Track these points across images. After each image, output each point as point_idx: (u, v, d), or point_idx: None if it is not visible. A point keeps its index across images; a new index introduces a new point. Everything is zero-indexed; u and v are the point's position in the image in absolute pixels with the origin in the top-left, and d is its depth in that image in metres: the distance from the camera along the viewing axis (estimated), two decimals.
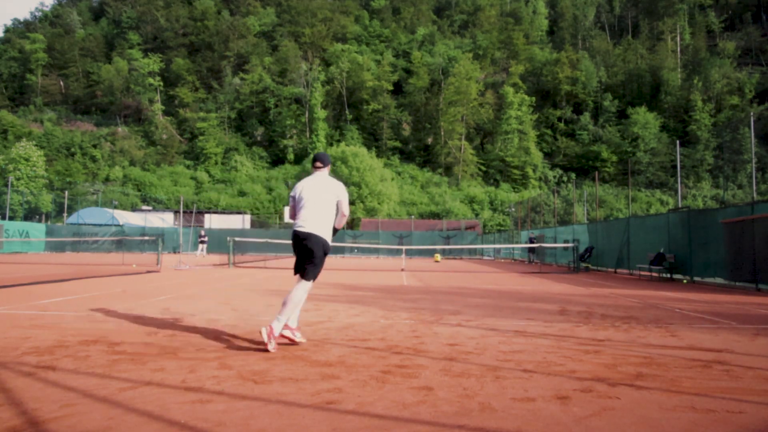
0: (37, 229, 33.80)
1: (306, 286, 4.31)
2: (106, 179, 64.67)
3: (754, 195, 12.41)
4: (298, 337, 4.43)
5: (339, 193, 4.56)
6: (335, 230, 4.60)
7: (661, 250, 14.61)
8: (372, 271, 17.85)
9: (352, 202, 48.39)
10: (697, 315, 6.90)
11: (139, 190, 61.10)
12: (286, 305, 4.23)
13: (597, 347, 4.54)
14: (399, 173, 65.77)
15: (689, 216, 14.07)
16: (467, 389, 3.16)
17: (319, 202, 4.45)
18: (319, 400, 2.91)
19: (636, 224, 16.94)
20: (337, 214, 4.59)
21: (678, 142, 17.37)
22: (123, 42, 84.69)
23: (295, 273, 4.46)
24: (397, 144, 72.88)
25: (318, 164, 4.70)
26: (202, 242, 29.39)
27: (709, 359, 4.10)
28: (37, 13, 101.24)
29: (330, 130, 72.98)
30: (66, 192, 44.08)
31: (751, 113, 14.08)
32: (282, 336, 4.32)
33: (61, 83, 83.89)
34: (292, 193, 4.67)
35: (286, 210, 39.75)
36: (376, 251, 34.01)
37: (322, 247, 4.36)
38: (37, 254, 29.54)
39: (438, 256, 21.94)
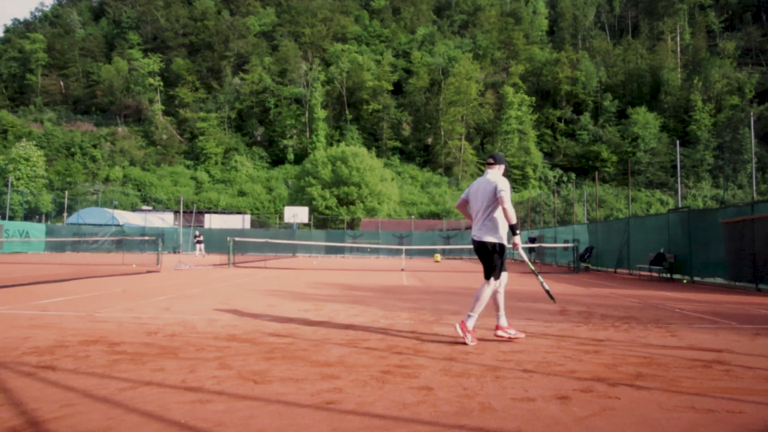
0: (37, 229, 33.81)
1: (490, 286, 4.61)
2: (106, 179, 64.70)
3: (754, 195, 12.41)
4: (512, 333, 4.75)
5: (497, 188, 4.61)
6: (510, 226, 4.66)
7: (661, 250, 14.61)
8: (372, 271, 17.85)
9: (352, 202, 48.41)
10: (697, 315, 6.90)
11: (139, 190, 61.13)
12: (477, 302, 4.58)
13: (597, 347, 4.54)
14: (399, 173, 65.77)
15: (689, 216, 14.07)
16: (467, 389, 3.16)
17: (483, 204, 4.67)
18: (319, 400, 2.91)
19: (636, 224, 16.94)
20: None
21: (678, 142, 17.37)
22: (123, 42, 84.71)
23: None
24: (397, 144, 72.89)
25: (490, 160, 4.87)
26: (199, 242, 29.28)
27: (709, 359, 4.10)
28: (37, 13, 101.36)
29: (330, 130, 72.99)
30: (66, 192, 44.13)
31: (751, 113, 14.08)
32: (497, 336, 4.74)
33: (61, 83, 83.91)
34: (464, 196, 5.02)
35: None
36: (377, 251, 34.01)
37: (493, 248, 4.63)
38: (37, 254, 29.54)
39: (438, 257, 21.95)
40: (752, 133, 13.04)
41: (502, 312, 4.74)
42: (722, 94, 65.39)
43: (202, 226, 42.68)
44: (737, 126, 46.54)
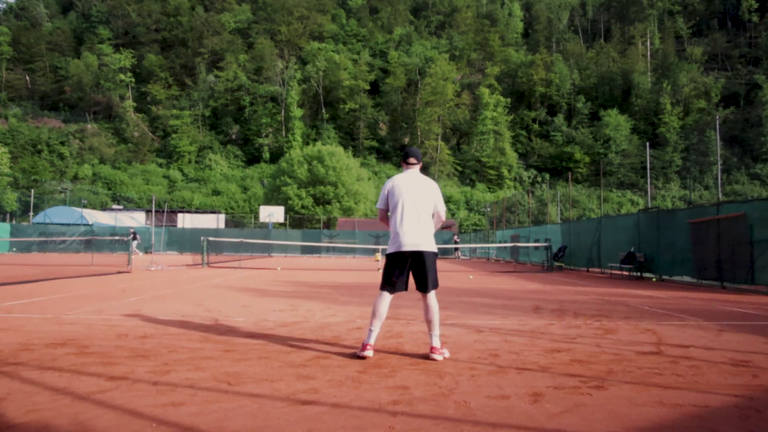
0: (1, 229, 32.68)
1: (434, 296, 4.10)
2: (75, 177, 62.95)
3: (720, 196, 12.83)
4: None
5: (436, 195, 4.20)
6: None
7: (632, 250, 14.97)
8: (348, 270, 17.81)
9: (328, 202, 48.23)
10: (665, 312, 7.09)
11: (110, 189, 59.65)
12: (433, 321, 4.02)
13: (570, 344, 4.62)
14: (376, 173, 65.80)
15: (658, 216, 14.46)
16: (443, 388, 3.18)
17: (421, 207, 4.07)
18: (294, 400, 2.89)
19: (607, 224, 17.32)
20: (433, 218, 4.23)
21: (648, 144, 17.84)
22: (92, 36, 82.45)
23: (394, 290, 4.04)
24: (374, 144, 72.92)
25: (411, 160, 4.23)
26: (135, 240, 26.75)
27: (677, 355, 4.22)
28: (1, 5, 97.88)
29: (306, 129, 72.56)
30: (32, 190, 42.72)
31: (717, 117, 14.55)
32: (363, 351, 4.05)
33: (27, 78, 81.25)
34: (384, 195, 4.19)
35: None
36: (353, 251, 33.95)
37: (434, 257, 4.14)
38: (1, 255, 28.56)
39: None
40: (718, 136, 13.47)
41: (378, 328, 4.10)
42: (690, 98, 67.44)
43: (175, 226, 41.92)
44: (704, 129, 48.06)
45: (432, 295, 4.07)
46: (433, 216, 4.22)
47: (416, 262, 4.04)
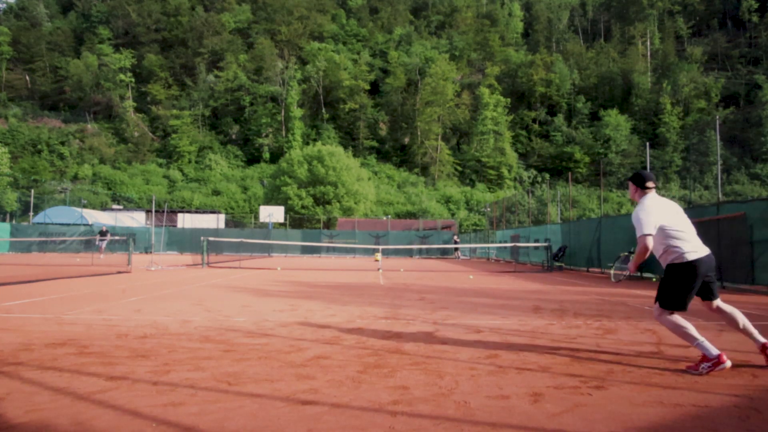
0: (1, 229, 32.67)
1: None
2: (75, 177, 62.90)
3: (720, 196, 12.83)
4: None
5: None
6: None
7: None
8: (348, 270, 17.81)
9: (328, 202, 48.24)
10: None
11: (110, 189, 59.62)
12: (746, 321, 3.88)
13: (570, 344, 4.62)
14: (376, 173, 65.78)
15: None
16: (443, 388, 3.18)
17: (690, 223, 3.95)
18: (294, 400, 2.89)
19: (607, 224, 17.32)
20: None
21: (648, 144, 17.84)
22: (93, 36, 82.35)
23: (684, 308, 3.80)
24: (374, 144, 72.89)
25: (650, 184, 4.05)
26: (102, 240, 25.34)
27: (677, 355, 4.22)
28: (1, 5, 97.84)
29: (306, 129, 72.52)
30: (32, 190, 42.68)
31: (717, 117, 14.55)
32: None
33: (27, 78, 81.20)
34: (655, 220, 3.85)
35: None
36: (353, 251, 33.95)
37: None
38: (1, 255, 28.54)
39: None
40: (718, 136, 13.47)
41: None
42: (690, 98, 67.39)
43: (175, 226, 41.92)
44: (704, 129, 48.02)
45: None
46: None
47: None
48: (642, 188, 4.05)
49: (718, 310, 3.89)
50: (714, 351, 3.65)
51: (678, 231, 3.84)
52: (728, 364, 3.61)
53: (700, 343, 3.72)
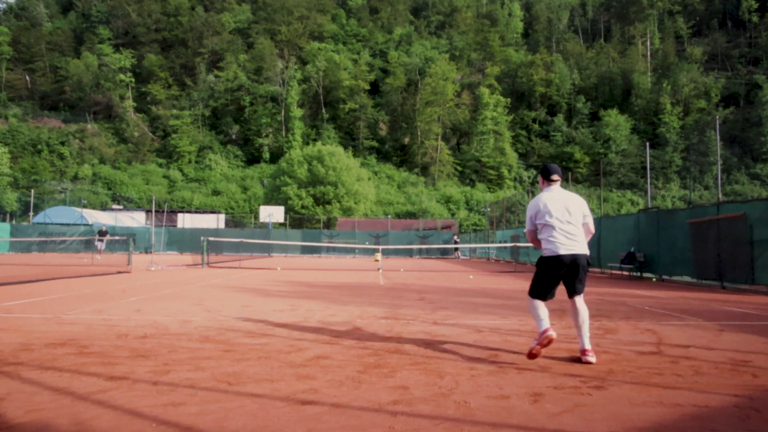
0: (1, 229, 32.67)
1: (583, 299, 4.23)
2: (75, 177, 62.87)
3: (720, 196, 12.83)
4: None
5: (586, 211, 4.31)
6: None
7: (632, 250, 14.97)
8: (348, 270, 17.81)
9: (328, 202, 48.22)
10: (666, 312, 7.09)
11: (110, 189, 59.61)
12: (584, 326, 4.08)
13: (569, 344, 4.62)
14: (376, 173, 65.76)
15: (658, 216, 14.45)
16: (443, 388, 3.18)
17: (576, 219, 4.19)
18: (294, 401, 2.89)
19: (607, 224, 17.32)
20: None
21: (648, 144, 17.84)
22: (93, 36, 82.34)
23: (543, 298, 4.14)
24: (374, 144, 72.87)
25: (555, 177, 4.33)
26: (101, 240, 25.05)
27: (677, 355, 4.22)
28: (1, 5, 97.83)
29: (306, 129, 72.51)
30: (32, 190, 42.69)
31: (717, 117, 14.56)
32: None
33: (27, 78, 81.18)
34: (532, 213, 4.27)
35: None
36: (353, 251, 33.94)
37: (587, 260, 4.21)
38: (1, 255, 28.54)
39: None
40: (718, 136, 13.47)
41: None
42: (690, 98, 67.38)
43: (175, 226, 41.92)
44: (704, 129, 48.03)
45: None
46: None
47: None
48: (548, 180, 4.36)
49: (573, 304, 4.17)
50: (543, 326, 3.99)
51: (551, 227, 4.14)
52: (552, 334, 3.90)
53: (540, 321, 4.06)
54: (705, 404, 2.91)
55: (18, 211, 48.96)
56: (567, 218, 4.15)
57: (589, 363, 3.90)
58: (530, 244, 21.01)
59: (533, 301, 4.16)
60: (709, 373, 3.62)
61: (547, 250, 4.12)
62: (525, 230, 4.42)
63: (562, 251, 4.04)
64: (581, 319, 4.08)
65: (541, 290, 4.14)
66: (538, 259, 4.25)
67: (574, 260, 4.05)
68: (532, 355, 3.93)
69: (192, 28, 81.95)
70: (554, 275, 4.10)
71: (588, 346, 4.02)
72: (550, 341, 3.91)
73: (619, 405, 2.88)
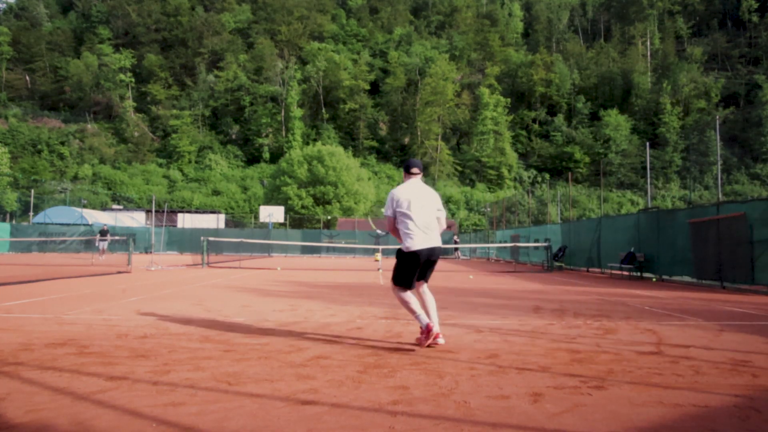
0: (1, 229, 32.67)
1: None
2: (75, 177, 62.88)
3: (720, 196, 12.82)
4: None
5: (440, 206, 4.64)
6: None
7: (632, 250, 14.97)
8: (348, 270, 17.81)
9: (328, 202, 48.23)
10: (665, 312, 7.09)
11: (110, 189, 59.62)
12: (433, 309, 4.48)
13: (570, 344, 4.62)
14: (376, 173, 65.75)
15: (658, 216, 14.45)
16: (443, 388, 3.18)
17: (430, 212, 4.53)
18: (294, 400, 2.89)
19: (607, 224, 17.32)
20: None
21: (648, 144, 17.83)
22: (93, 36, 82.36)
23: (409, 287, 4.45)
24: (374, 144, 72.89)
25: (415, 170, 4.68)
26: (103, 240, 24.35)
27: (677, 355, 4.22)
28: (1, 5, 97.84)
29: (306, 129, 72.53)
30: (32, 190, 42.69)
31: (717, 117, 14.55)
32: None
33: (27, 78, 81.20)
34: (393, 204, 4.49)
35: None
36: (353, 251, 33.94)
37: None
38: (1, 255, 28.54)
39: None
40: (717, 136, 13.47)
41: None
42: (690, 98, 67.38)
43: (175, 226, 41.91)
44: (704, 129, 48.00)
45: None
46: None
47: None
48: (408, 173, 4.67)
49: (420, 291, 4.56)
50: (424, 322, 4.33)
51: (409, 218, 4.40)
52: (435, 330, 4.31)
53: (417, 316, 4.38)
54: (705, 404, 2.91)
55: (18, 211, 48.96)
56: (423, 210, 4.45)
57: (438, 345, 4.37)
58: (530, 244, 20.98)
59: (402, 294, 4.43)
60: (709, 373, 3.62)
61: (406, 245, 4.38)
62: (384, 215, 4.60)
63: (419, 247, 4.35)
64: (431, 303, 4.47)
65: (405, 280, 4.42)
66: (398, 252, 4.50)
67: (430, 254, 4.43)
68: (419, 344, 4.41)
69: (192, 28, 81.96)
70: (414, 267, 4.40)
71: (438, 329, 4.41)
72: (436, 336, 4.34)
73: (619, 405, 2.88)
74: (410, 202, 4.43)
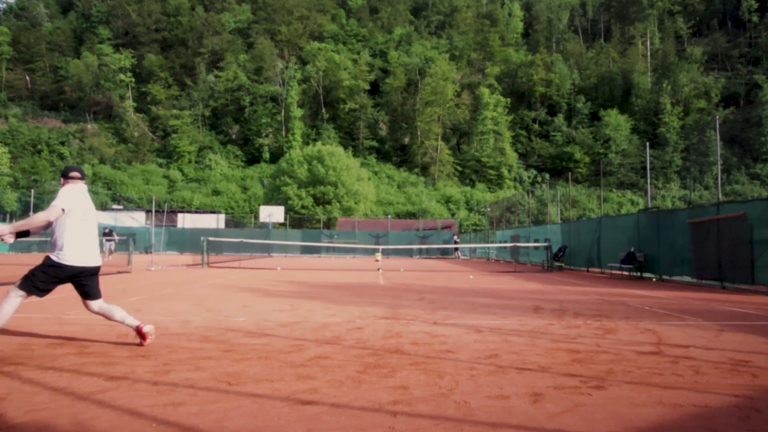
0: None
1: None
2: None
3: (720, 196, 12.82)
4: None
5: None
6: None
7: (632, 250, 14.96)
8: (348, 270, 17.81)
9: (328, 202, 48.24)
10: (665, 312, 7.09)
11: (110, 189, 59.61)
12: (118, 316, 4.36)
13: (569, 344, 4.62)
14: (376, 173, 65.76)
15: (658, 216, 14.45)
16: (443, 388, 3.18)
17: (92, 219, 4.40)
18: (294, 400, 2.89)
19: (607, 224, 17.32)
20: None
21: (648, 144, 17.83)
22: (93, 36, 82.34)
23: (40, 295, 4.17)
24: (374, 144, 72.88)
25: (74, 174, 4.40)
26: (109, 240, 24.63)
27: (677, 355, 4.21)
28: (1, 5, 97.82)
29: (306, 128, 72.53)
30: (32, 190, 42.65)
31: (717, 117, 14.55)
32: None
33: (27, 78, 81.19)
34: (65, 207, 4.10)
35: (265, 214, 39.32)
36: (353, 251, 33.94)
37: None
38: (1, 255, 28.55)
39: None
40: (718, 136, 13.46)
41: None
42: (690, 98, 67.38)
43: (175, 226, 41.91)
44: (704, 129, 48.00)
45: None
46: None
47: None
48: (66, 178, 4.36)
49: (99, 311, 4.37)
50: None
51: (79, 222, 4.18)
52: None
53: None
54: (705, 404, 2.91)
55: (18, 211, 48.94)
56: (89, 217, 4.31)
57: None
58: (530, 245, 20.97)
59: (29, 297, 4.13)
60: (709, 373, 3.62)
61: (65, 255, 4.06)
62: (57, 206, 4.05)
63: (78, 263, 4.11)
64: (119, 314, 4.33)
65: (43, 288, 4.12)
66: (48, 259, 4.10)
67: (88, 271, 4.21)
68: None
69: (192, 28, 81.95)
70: (63, 281, 4.15)
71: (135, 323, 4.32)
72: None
73: (619, 405, 2.88)
74: (82, 204, 4.30)
